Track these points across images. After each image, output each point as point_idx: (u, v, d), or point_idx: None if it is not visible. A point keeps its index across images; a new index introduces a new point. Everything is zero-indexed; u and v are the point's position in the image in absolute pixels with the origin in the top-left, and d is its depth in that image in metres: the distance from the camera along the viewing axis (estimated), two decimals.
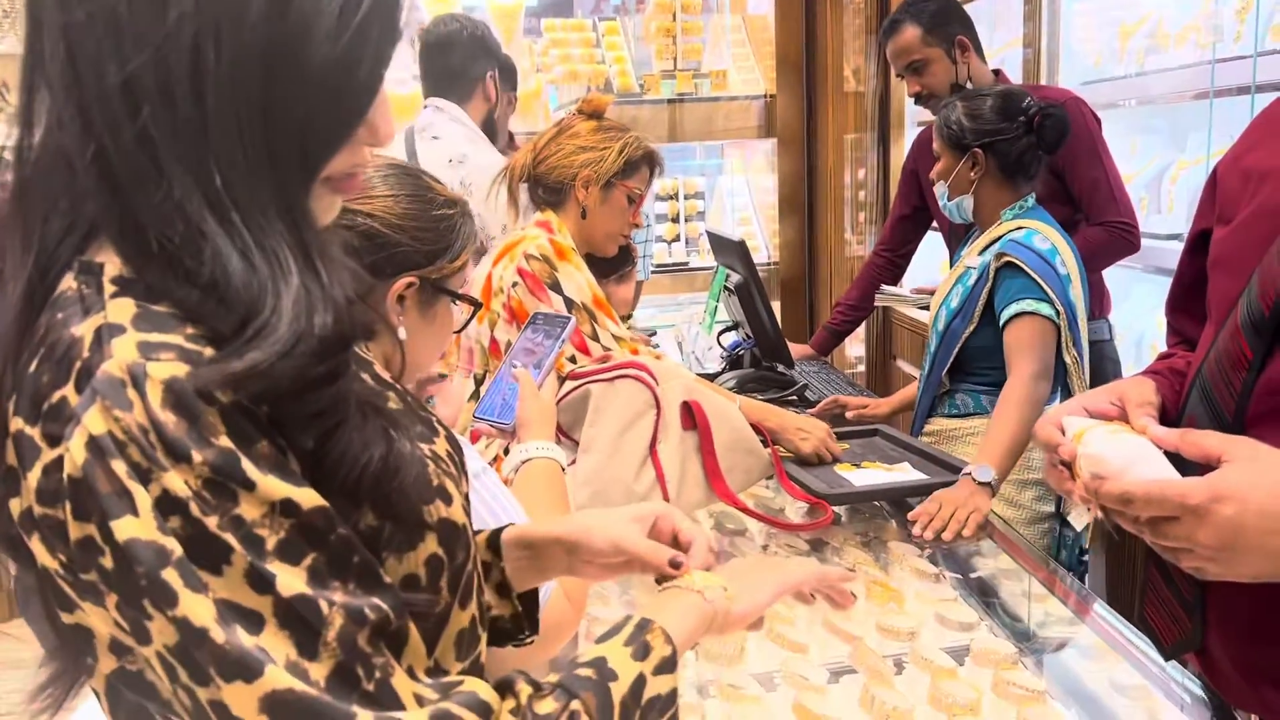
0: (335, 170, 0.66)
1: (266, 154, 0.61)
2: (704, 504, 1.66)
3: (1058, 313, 1.89)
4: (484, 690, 0.63)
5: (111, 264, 0.62)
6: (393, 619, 0.61)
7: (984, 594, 1.58)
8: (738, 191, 4.92)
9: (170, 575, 0.56)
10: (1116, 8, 2.83)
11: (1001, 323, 1.92)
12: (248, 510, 0.57)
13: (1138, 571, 2.29)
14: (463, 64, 2.56)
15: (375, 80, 0.64)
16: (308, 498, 0.59)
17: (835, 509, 1.68)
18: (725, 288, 2.33)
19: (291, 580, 0.58)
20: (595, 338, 1.72)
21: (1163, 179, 2.73)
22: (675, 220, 4.66)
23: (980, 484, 1.69)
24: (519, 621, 0.91)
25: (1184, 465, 0.95)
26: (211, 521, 0.56)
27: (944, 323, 2.06)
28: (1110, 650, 1.35)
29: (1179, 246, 1.28)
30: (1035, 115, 1.95)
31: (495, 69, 2.61)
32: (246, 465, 0.57)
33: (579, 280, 1.74)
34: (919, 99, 2.53)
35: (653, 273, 4.08)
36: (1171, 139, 2.78)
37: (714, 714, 1.27)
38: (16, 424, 0.59)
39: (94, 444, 0.56)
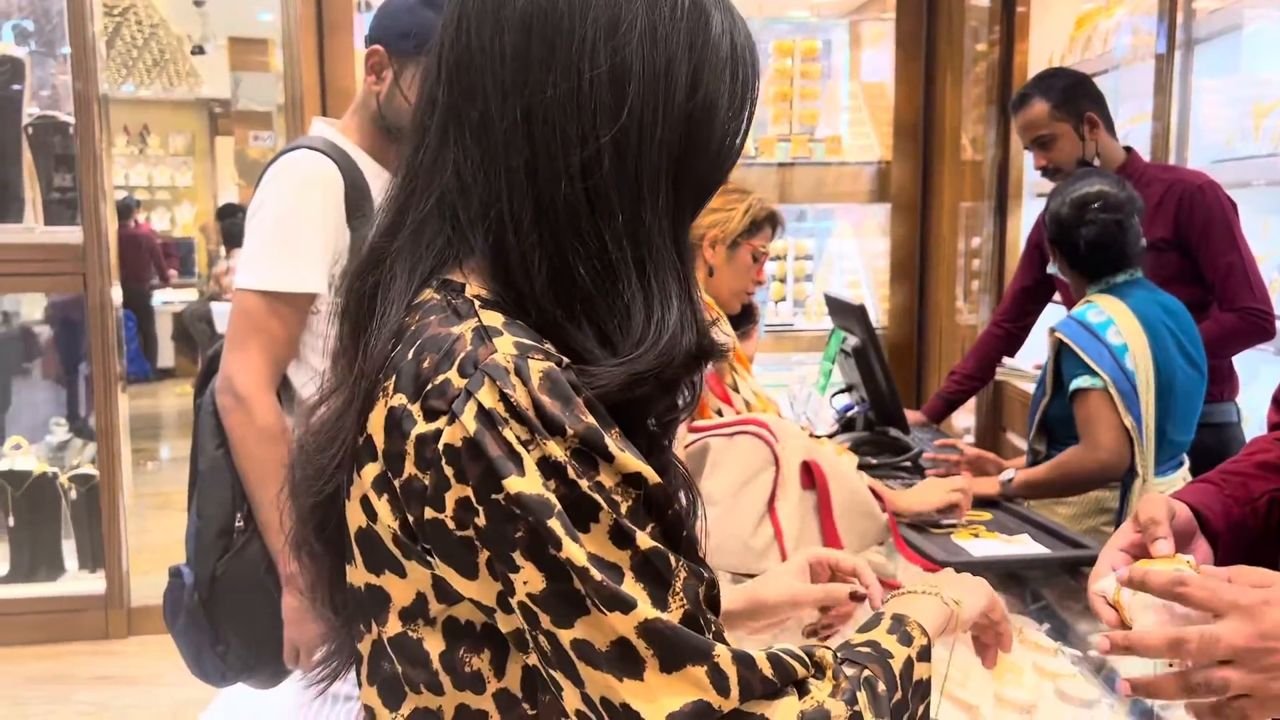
0: None
1: (675, 206, 0.75)
2: None
3: (1104, 381, 1.97)
4: (797, 648, 0.72)
5: (470, 285, 0.74)
6: (715, 584, 0.70)
7: (1105, 673, 1.55)
8: (848, 255, 4.93)
9: (554, 524, 0.65)
10: (1250, 85, 2.79)
11: (1068, 399, 2.03)
12: (606, 479, 0.67)
13: None
14: None
15: (742, 146, 0.77)
16: (652, 475, 0.68)
17: None
18: (842, 350, 2.35)
19: (646, 538, 0.67)
20: (736, 389, 1.76)
21: None
22: (783, 281, 4.69)
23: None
24: None
25: None
26: (584, 484, 0.66)
27: (1034, 392, 2.17)
28: None
29: None
30: (1084, 232, 2.02)
31: None
32: (609, 440, 0.67)
33: (722, 335, 1.79)
34: (1045, 172, 2.53)
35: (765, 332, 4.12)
36: None
37: None
38: (397, 400, 0.70)
39: (485, 415, 0.66)
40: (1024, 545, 1.75)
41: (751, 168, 4.38)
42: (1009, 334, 2.83)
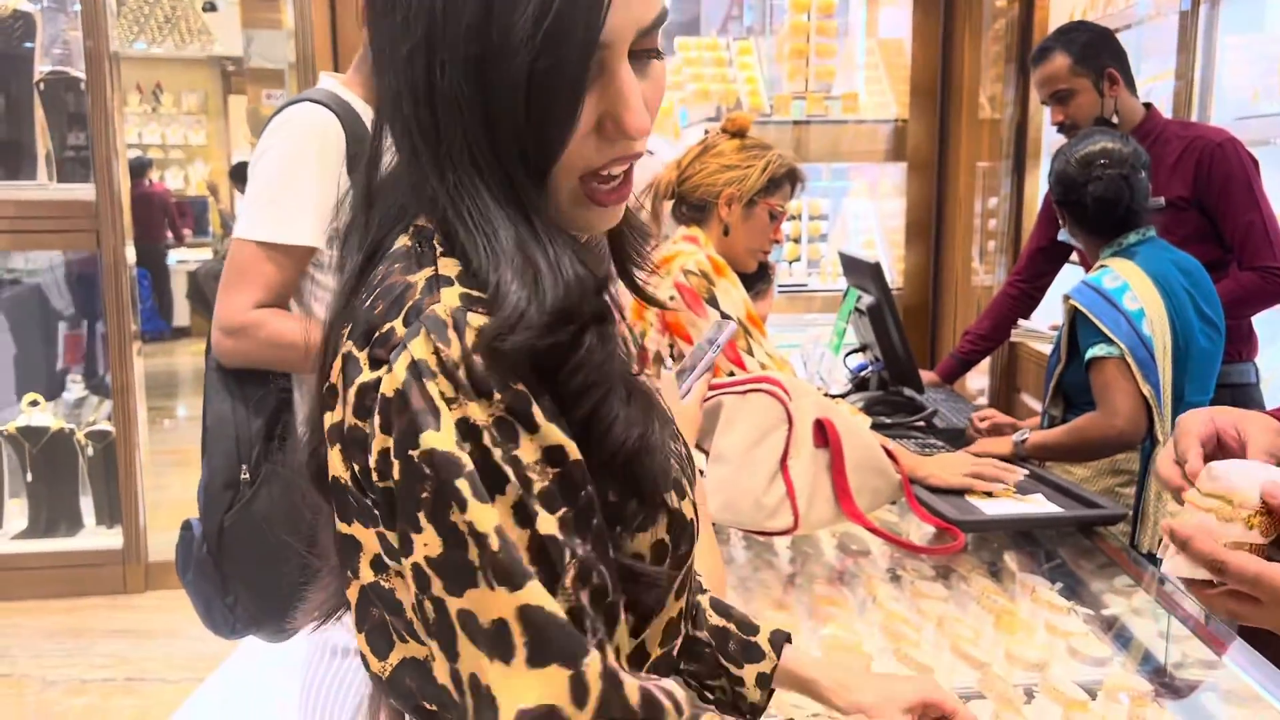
0: (584, 167, 0.70)
1: (491, 155, 0.67)
2: (832, 522, 1.67)
3: (1120, 349, 1.94)
4: (680, 692, 0.68)
5: (426, 223, 0.72)
6: (610, 591, 0.66)
7: (1116, 631, 1.55)
8: (863, 215, 4.90)
9: (463, 484, 0.62)
10: (1275, 42, 2.74)
11: (1084, 366, 2.01)
12: (525, 453, 0.64)
13: None
14: None
15: (581, 81, 0.66)
16: (574, 450, 0.66)
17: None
18: (856, 309, 2.33)
19: (548, 523, 0.64)
20: (750, 353, 1.75)
21: None
22: (797, 241, 4.66)
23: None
24: (753, 709, 0.96)
25: None
26: (497, 453, 0.63)
27: (1049, 357, 2.15)
28: (1254, 697, 1.32)
29: None
30: (1090, 189, 1.99)
31: None
32: (535, 410, 0.64)
33: (735, 297, 1.78)
34: (1061, 128, 2.50)
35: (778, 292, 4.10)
36: None
37: None
38: (347, 346, 0.68)
39: (414, 366, 0.63)
40: (1038, 505, 1.75)
41: (766, 126, 4.34)
42: (1024, 294, 2.81)
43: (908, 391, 2.27)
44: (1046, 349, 3.40)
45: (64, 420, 3.89)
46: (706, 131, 3.87)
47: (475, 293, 0.67)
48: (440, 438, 0.62)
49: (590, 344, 0.67)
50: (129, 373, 3.69)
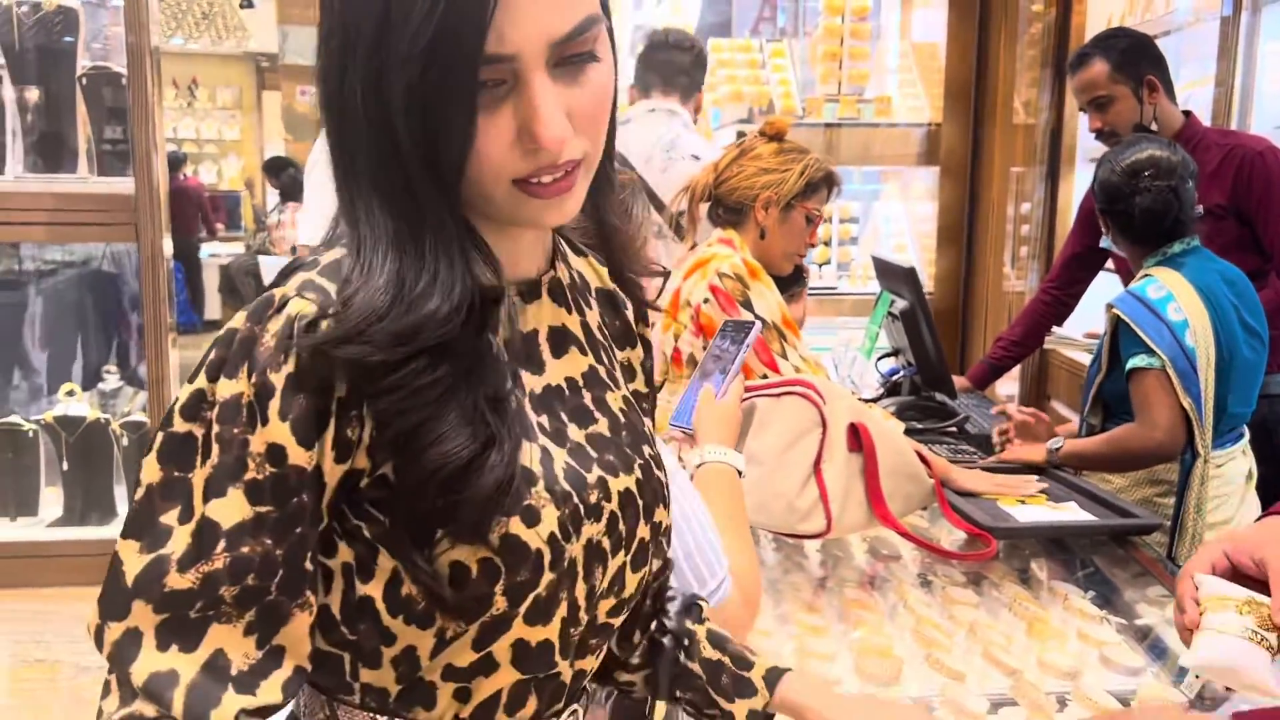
0: (511, 176, 0.70)
1: (392, 168, 0.68)
2: (864, 527, 1.68)
3: (1162, 361, 1.93)
4: (245, 702, 0.68)
5: None
6: (273, 591, 0.68)
7: (1150, 642, 1.55)
8: (894, 218, 4.88)
9: (159, 436, 0.69)
10: None
11: (1125, 376, 1.99)
12: (256, 441, 0.66)
13: None
14: (692, 70, 2.75)
15: (470, 93, 0.66)
16: (297, 455, 0.67)
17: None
18: (889, 313, 2.33)
19: (228, 509, 0.66)
20: (784, 356, 1.75)
21: None
22: (828, 244, 4.66)
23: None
24: None
25: None
26: (218, 428, 0.67)
27: (1089, 366, 2.13)
28: None
29: None
30: (1138, 200, 1.98)
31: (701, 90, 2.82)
32: (273, 403, 0.66)
33: (770, 300, 1.79)
34: (1099, 135, 2.48)
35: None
36: None
37: None
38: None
39: (231, 329, 0.68)
40: (1072, 512, 1.74)
41: (798, 128, 4.33)
42: (1058, 301, 2.80)
43: (939, 397, 2.26)
44: (1077, 355, 3.39)
45: (99, 410, 3.94)
46: (740, 134, 3.88)
47: (319, 280, 0.70)
48: (186, 390, 0.69)
49: (415, 370, 0.67)
50: (164, 364, 3.73)
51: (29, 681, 3.15)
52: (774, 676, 0.93)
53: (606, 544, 0.79)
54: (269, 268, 6.01)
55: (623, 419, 0.84)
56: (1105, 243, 2.13)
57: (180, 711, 0.66)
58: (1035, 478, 1.87)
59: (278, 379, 0.66)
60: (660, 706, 1.23)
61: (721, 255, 1.85)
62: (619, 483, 0.80)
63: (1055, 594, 1.62)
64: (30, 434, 3.85)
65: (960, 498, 1.74)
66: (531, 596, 0.74)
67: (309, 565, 0.70)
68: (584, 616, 0.79)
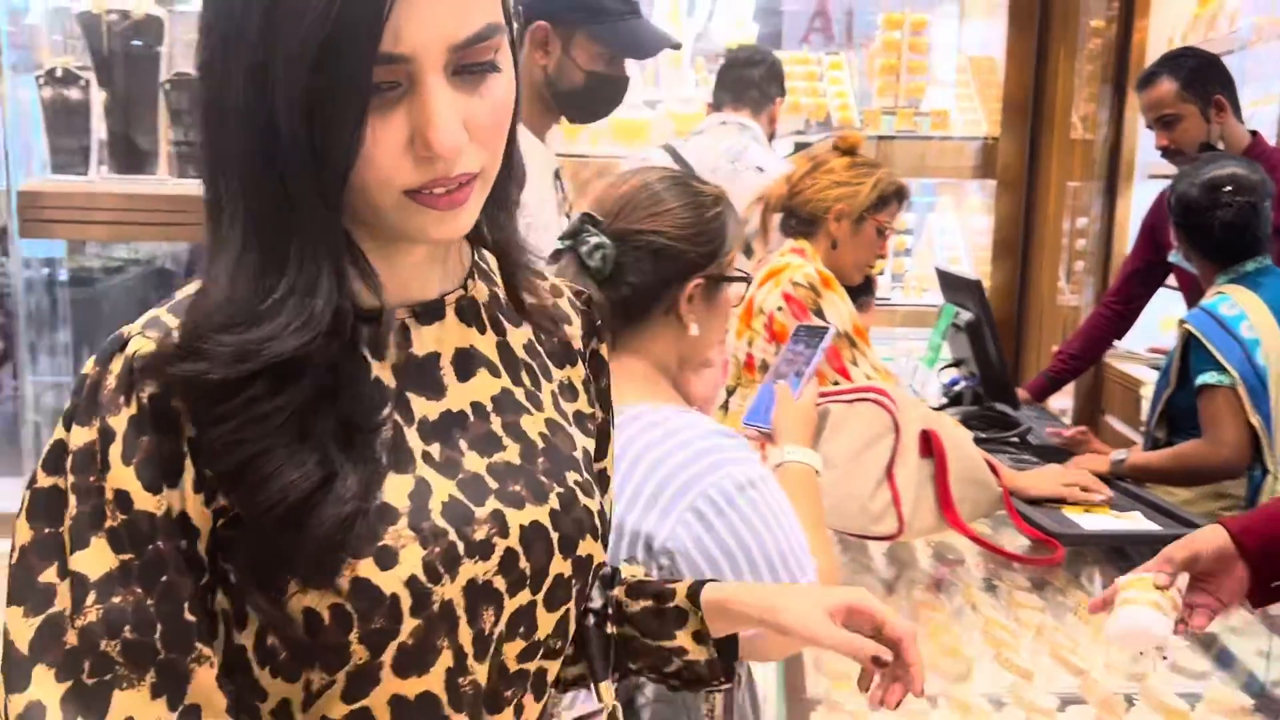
0: (401, 185, 0.66)
1: (266, 170, 0.64)
2: (934, 530, 1.73)
3: (1233, 378, 1.96)
4: None
5: None
6: (160, 649, 0.64)
7: (1216, 650, 1.58)
8: (948, 231, 4.91)
9: (26, 495, 0.66)
10: None
11: (1194, 392, 2.02)
12: (107, 489, 0.64)
13: None
14: (763, 83, 2.83)
15: (361, 95, 0.63)
16: (144, 500, 0.64)
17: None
18: (953, 325, 2.39)
19: (92, 560, 0.63)
20: (855, 364, 1.82)
21: None
22: (882, 256, 4.69)
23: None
24: (714, 668, 0.88)
25: None
26: (72, 478, 0.64)
27: (1156, 380, 2.16)
28: None
29: None
30: (1218, 215, 2.01)
31: (782, 97, 2.94)
32: (114, 448, 0.64)
33: (842, 309, 1.85)
34: (1165, 153, 2.52)
35: None
36: None
37: None
38: None
39: (82, 375, 0.67)
40: (1136, 521, 1.79)
41: None
42: (1119, 315, 2.83)
43: (1000, 407, 2.31)
44: (1134, 370, 3.41)
45: None
46: (797, 145, 3.94)
47: (165, 317, 0.67)
48: (49, 448, 0.66)
49: (255, 394, 0.64)
50: None
51: None
52: (695, 591, 0.87)
53: (500, 583, 0.72)
54: None
55: (541, 444, 0.78)
56: (1175, 258, 2.15)
57: None
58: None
59: (118, 422, 0.64)
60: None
61: (795, 265, 1.92)
62: (523, 515, 0.74)
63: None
64: None
65: (1028, 506, 1.79)
66: (394, 645, 0.68)
67: (189, 616, 0.66)
68: (475, 665, 0.72)
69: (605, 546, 0.82)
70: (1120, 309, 2.82)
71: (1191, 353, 2.03)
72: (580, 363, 0.87)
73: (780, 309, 1.89)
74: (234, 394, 0.64)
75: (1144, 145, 3.78)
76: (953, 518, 1.69)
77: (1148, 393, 2.49)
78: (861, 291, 2.10)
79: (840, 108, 4.54)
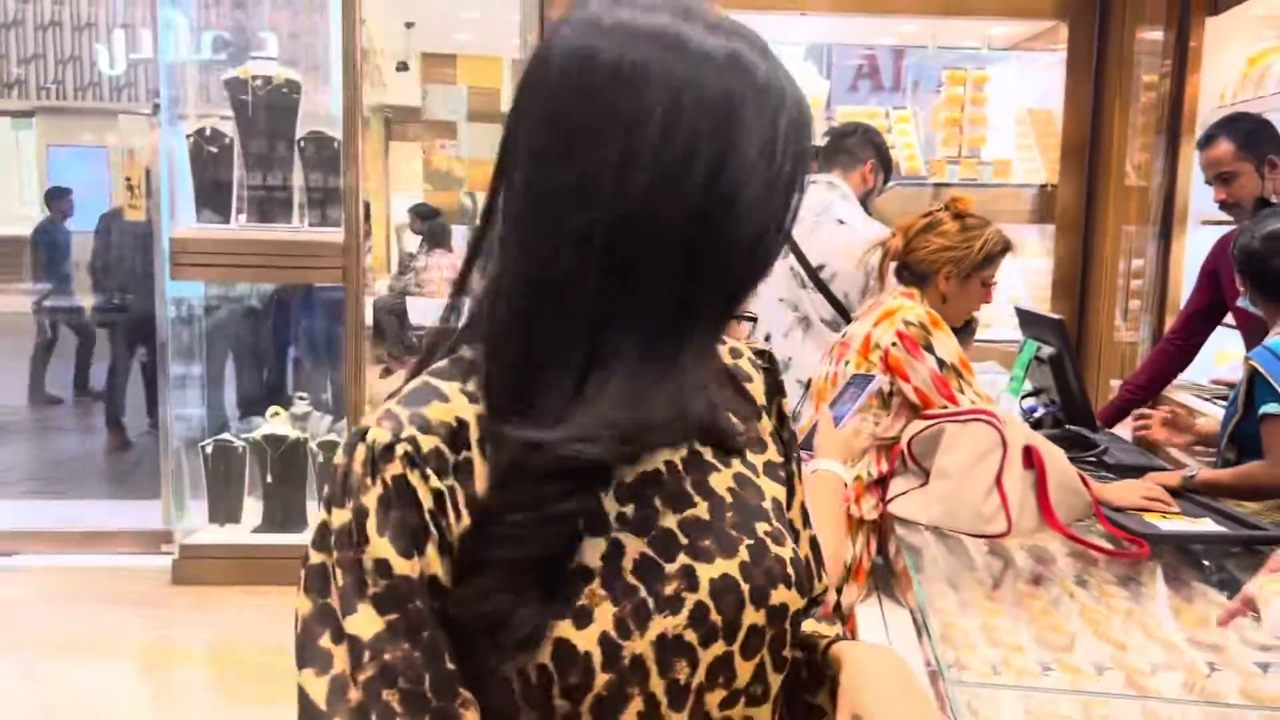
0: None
1: (691, 292, 0.74)
2: (1035, 531, 2.04)
3: None
4: None
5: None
6: (431, 697, 0.71)
7: None
8: (1009, 272, 5.20)
9: (303, 573, 0.74)
10: None
11: (1258, 420, 2.26)
12: (366, 559, 0.71)
13: None
14: (854, 148, 3.17)
15: (779, 243, 0.76)
16: (400, 565, 0.71)
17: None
18: (1036, 358, 2.69)
19: (363, 623, 0.70)
20: (961, 391, 2.14)
21: None
22: (987, 301, 4.97)
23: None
24: None
25: None
26: (335, 554, 0.72)
27: (1225, 409, 2.41)
28: None
29: None
30: (1275, 263, 2.27)
31: (875, 159, 3.22)
32: (370, 523, 0.71)
33: (949, 345, 2.17)
34: (1223, 206, 2.82)
35: None
36: None
37: (1059, 683, 1.64)
38: None
39: (334, 466, 0.75)
40: (1208, 525, 2.09)
41: (922, 187, 4.70)
42: (1180, 350, 3.12)
43: (1075, 429, 2.61)
44: (1190, 399, 3.67)
45: (298, 431, 4.45)
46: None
47: (398, 410, 0.74)
48: (314, 529, 0.75)
49: (557, 491, 0.72)
50: (361, 391, 4.23)
51: (267, 666, 3.62)
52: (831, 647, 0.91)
53: (691, 636, 0.76)
54: (416, 309, 6.54)
55: (729, 499, 0.82)
56: (1244, 302, 2.42)
57: None
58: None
59: (369, 501, 0.71)
60: None
61: (907, 306, 2.25)
62: (712, 569, 0.78)
63: (1195, 591, 1.96)
64: (240, 450, 4.36)
65: (1113, 511, 2.09)
66: (590, 697, 0.74)
67: (450, 666, 0.72)
68: (671, 713, 0.76)
69: (804, 594, 0.84)
70: (1182, 344, 3.11)
71: (1256, 385, 2.28)
72: (766, 417, 0.93)
73: (894, 344, 2.21)
74: (536, 485, 0.72)
75: (1196, 193, 4.04)
76: (1052, 520, 1.99)
77: (1205, 421, 2.76)
78: (963, 331, 2.41)
79: (908, 158, 4.87)
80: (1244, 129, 2.75)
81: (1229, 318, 3.03)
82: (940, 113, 4.91)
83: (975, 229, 2.26)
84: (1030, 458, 2.01)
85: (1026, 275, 5.08)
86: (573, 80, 0.72)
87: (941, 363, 2.15)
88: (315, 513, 4.37)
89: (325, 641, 0.71)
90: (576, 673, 0.72)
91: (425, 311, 6.49)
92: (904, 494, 2.09)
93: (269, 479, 4.34)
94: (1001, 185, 4.76)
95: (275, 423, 4.37)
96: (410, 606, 0.71)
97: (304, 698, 0.71)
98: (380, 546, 0.70)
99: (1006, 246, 2.28)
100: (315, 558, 0.73)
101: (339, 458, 0.74)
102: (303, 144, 4.27)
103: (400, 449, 0.71)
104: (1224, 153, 2.74)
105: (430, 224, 6.53)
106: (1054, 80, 4.76)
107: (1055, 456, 2.04)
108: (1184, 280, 3.95)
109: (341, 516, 0.72)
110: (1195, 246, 3.86)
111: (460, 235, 6.80)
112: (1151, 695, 1.58)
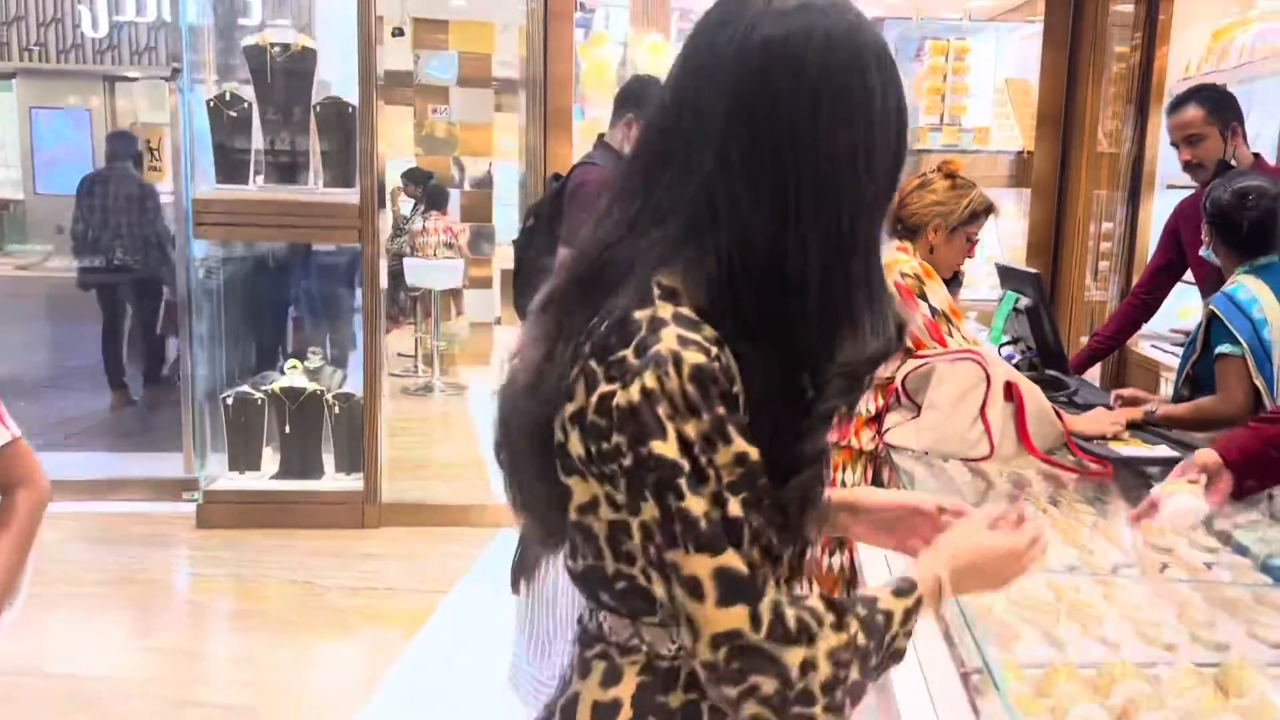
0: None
1: (871, 238, 0.94)
2: (1014, 457, 2.31)
3: (1243, 349, 2.46)
4: (820, 607, 0.92)
5: (664, 278, 0.92)
6: (774, 547, 0.92)
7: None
8: (986, 233, 5.45)
9: (681, 481, 0.86)
10: None
11: (1213, 359, 2.52)
12: (722, 457, 0.87)
13: None
14: None
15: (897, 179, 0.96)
16: (755, 455, 0.88)
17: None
18: (1014, 309, 2.96)
19: (735, 506, 0.87)
20: (950, 335, 2.39)
21: None
22: (970, 257, 5.22)
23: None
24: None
25: None
26: (703, 459, 0.86)
27: (1184, 349, 2.67)
28: None
29: None
30: (1246, 215, 2.51)
31: None
32: (730, 428, 0.87)
33: (940, 294, 2.43)
34: (1187, 166, 3.08)
35: None
36: None
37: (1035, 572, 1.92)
38: (590, 364, 0.91)
39: (645, 391, 0.86)
40: (1161, 450, 2.37)
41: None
42: (1145, 304, 3.39)
43: (1051, 372, 2.89)
44: (1150, 350, 3.96)
45: (314, 383, 4.65)
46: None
47: (688, 334, 0.88)
48: (666, 446, 0.86)
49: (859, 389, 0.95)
50: (378, 347, 4.45)
51: (289, 597, 3.87)
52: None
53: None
54: (411, 269, 6.69)
55: None
56: (1205, 252, 2.66)
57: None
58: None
59: (719, 409, 0.87)
60: None
61: (902, 259, 2.49)
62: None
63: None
64: (259, 401, 4.57)
65: (1082, 440, 2.37)
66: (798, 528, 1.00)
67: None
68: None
69: None
70: (1146, 299, 3.39)
71: (1212, 327, 2.53)
72: None
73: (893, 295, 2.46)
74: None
75: (1163, 159, 4.29)
76: (1030, 446, 2.27)
77: (1164, 371, 3.02)
78: (951, 284, 2.66)
79: None
80: (1212, 97, 3.00)
81: (1189, 275, 3.31)
82: (923, 82, 5.13)
83: (964, 188, 2.51)
84: (1011, 392, 2.28)
85: (1003, 238, 5.33)
86: (838, 57, 0.88)
87: (934, 309, 2.41)
88: (330, 460, 4.64)
89: (695, 506, 0.86)
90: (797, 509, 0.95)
91: (422, 273, 6.64)
92: (899, 425, 2.35)
93: (287, 429, 4.55)
94: (980, 151, 4.99)
95: (293, 375, 4.58)
96: (760, 483, 0.89)
97: (726, 575, 0.87)
98: (740, 443, 0.87)
99: (990, 207, 2.53)
100: (681, 459, 0.86)
101: (649, 380, 0.85)
102: (318, 108, 4.45)
103: (717, 366, 0.87)
104: (1194, 116, 2.99)
105: (429, 187, 6.68)
106: (1031, 51, 4.99)
107: (1033, 391, 2.31)
108: (1150, 242, 4.19)
109: (688, 427, 0.85)
110: (1161, 210, 4.09)
111: (453, 199, 6.91)
112: (1103, 574, 1.86)
